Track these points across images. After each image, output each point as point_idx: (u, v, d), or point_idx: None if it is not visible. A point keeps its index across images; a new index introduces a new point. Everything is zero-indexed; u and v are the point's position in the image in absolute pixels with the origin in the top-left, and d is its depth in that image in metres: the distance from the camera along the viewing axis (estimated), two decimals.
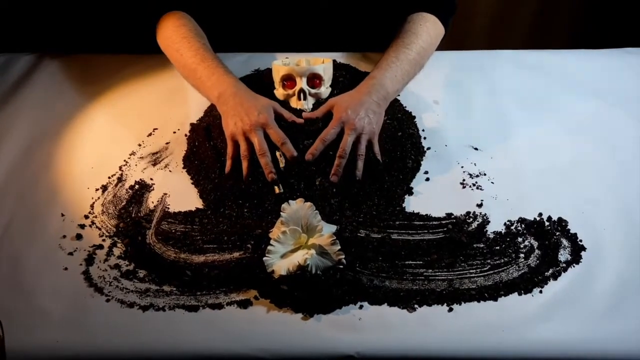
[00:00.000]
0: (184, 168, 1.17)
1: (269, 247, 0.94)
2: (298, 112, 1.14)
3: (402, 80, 1.22)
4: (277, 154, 1.08)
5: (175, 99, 1.33)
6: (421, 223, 1.05)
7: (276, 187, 1.05)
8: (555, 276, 0.97)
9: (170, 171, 1.17)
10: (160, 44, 1.28)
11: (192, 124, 1.26)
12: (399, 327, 0.90)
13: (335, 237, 0.95)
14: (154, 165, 1.18)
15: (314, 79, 1.17)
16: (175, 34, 1.24)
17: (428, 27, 1.28)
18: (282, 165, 1.07)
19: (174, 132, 1.25)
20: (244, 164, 1.08)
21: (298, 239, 0.96)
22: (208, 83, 1.17)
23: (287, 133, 1.08)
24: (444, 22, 1.32)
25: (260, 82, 1.23)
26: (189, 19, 1.28)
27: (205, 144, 1.17)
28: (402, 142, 1.17)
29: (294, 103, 1.16)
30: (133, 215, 1.07)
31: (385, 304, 0.93)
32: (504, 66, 1.43)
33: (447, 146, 1.22)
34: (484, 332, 0.89)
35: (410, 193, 1.11)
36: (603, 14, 2.06)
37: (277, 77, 1.19)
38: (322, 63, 1.20)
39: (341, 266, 0.94)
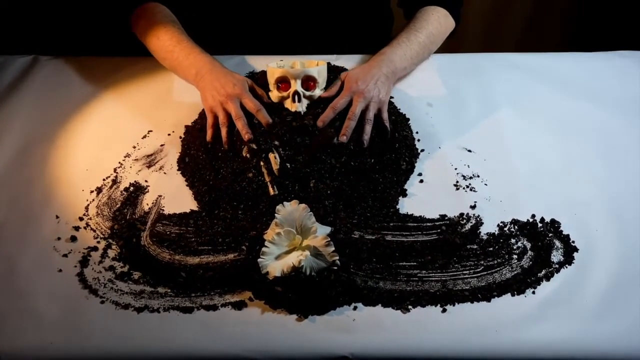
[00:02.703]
0: (178, 170, 1.17)
1: (264, 249, 0.94)
2: (295, 115, 1.14)
3: (411, 60, 1.29)
4: (272, 155, 1.08)
5: (170, 101, 1.33)
6: (415, 224, 1.05)
7: (271, 189, 1.06)
8: (548, 277, 0.97)
9: (164, 173, 1.17)
10: (137, 32, 1.32)
11: (186, 126, 1.26)
12: (392, 328, 0.90)
13: (329, 239, 0.95)
14: (149, 167, 1.18)
15: (309, 82, 1.17)
16: (151, 21, 1.29)
17: (439, 17, 1.36)
18: (276, 167, 1.07)
19: (169, 134, 1.25)
20: (223, 132, 1.13)
21: (292, 240, 0.96)
22: (185, 63, 1.23)
23: (279, 129, 1.10)
24: (455, 15, 1.39)
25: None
26: (163, 7, 1.33)
27: (199, 146, 1.17)
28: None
29: (289, 105, 1.17)
30: (128, 217, 1.07)
31: (379, 305, 0.93)
32: (498, 69, 1.43)
33: (441, 148, 1.22)
34: (477, 333, 0.90)
35: (404, 195, 1.12)
36: (596, 17, 2.08)
37: (271, 79, 1.19)
38: (317, 65, 1.20)
39: (335, 267, 0.94)
